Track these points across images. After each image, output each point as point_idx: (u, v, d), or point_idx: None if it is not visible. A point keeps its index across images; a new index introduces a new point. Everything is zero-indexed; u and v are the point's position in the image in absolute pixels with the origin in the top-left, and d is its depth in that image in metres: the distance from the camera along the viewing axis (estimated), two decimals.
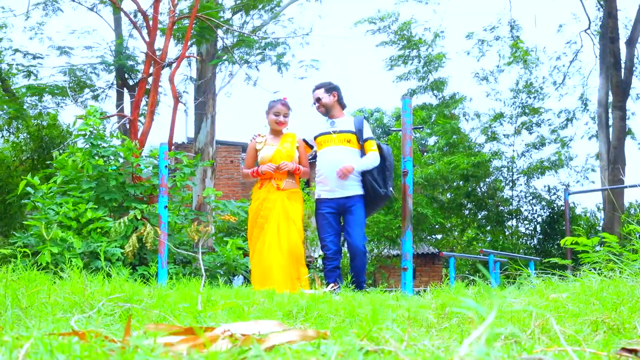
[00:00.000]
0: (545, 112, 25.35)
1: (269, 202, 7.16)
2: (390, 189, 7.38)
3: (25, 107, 20.14)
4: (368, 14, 24.50)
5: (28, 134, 21.00)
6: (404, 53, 24.16)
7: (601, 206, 24.66)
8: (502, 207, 24.60)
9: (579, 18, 27.62)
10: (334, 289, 5.41)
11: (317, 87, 7.71)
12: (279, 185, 7.22)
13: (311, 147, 7.74)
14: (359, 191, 7.30)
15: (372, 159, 7.28)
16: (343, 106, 7.69)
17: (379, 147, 7.44)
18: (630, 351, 1.75)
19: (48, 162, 9.16)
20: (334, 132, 7.41)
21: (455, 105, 24.65)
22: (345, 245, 7.44)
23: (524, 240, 24.66)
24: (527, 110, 24.70)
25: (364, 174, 7.28)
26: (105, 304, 2.87)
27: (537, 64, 25.06)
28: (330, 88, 7.63)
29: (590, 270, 3.87)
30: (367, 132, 7.45)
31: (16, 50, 20.51)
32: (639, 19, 22.49)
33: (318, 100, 7.62)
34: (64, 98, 20.15)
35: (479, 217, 25.19)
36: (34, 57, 20.46)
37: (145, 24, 10.81)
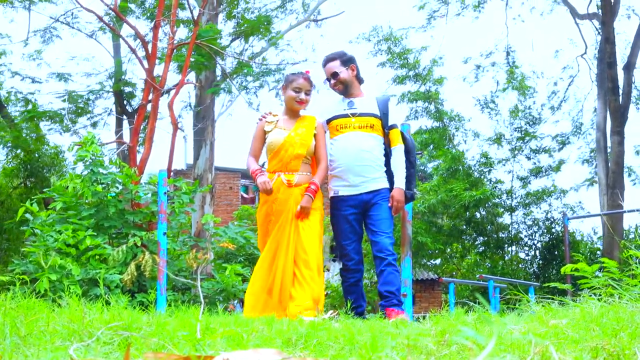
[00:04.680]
0: (542, 139, 25.44)
1: (279, 204, 5.85)
2: (415, 189, 6.18)
3: (24, 135, 20.20)
4: (365, 30, 24.71)
5: (24, 159, 21.06)
6: (402, 73, 24.25)
7: (600, 231, 24.68)
8: (501, 234, 24.58)
9: (575, 43, 27.85)
10: (334, 315, 5.16)
11: (330, 59, 6.32)
12: (290, 181, 5.90)
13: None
14: (385, 184, 6.06)
15: (404, 161, 6.09)
16: (361, 81, 6.35)
17: (403, 139, 6.18)
18: None
19: (45, 190, 9.13)
20: (353, 114, 6.10)
21: (457, 128, 24.74)
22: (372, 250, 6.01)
23: (523, 266, 24.62)
24: (526, 138, 24.78)
25: (388, 168, 6.10)
26: (104, 332, 2.87)
27: (533, 92, 25.18)
28: (347, 60, 6.29)
29: (590, 296, 3.86)
30: (394, 118, 6.19)
31: (15, 73, 20.61)
32: (636, 44, 22.63)
33: (334, 75, 6.23)
34: (59, 124, 20.20)
35: (478, 243, 25.16)
36: (33, 81, 20.56)
37: (144, 51, 10.85)
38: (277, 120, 6.11)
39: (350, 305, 5.67)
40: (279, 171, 5.93)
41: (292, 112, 6.13)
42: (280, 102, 5.60)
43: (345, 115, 6.10)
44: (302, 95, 6.01)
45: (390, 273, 5.78)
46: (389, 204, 5.97)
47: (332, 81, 6.25)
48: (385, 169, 6.08)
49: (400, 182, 5.99)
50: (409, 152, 6.13)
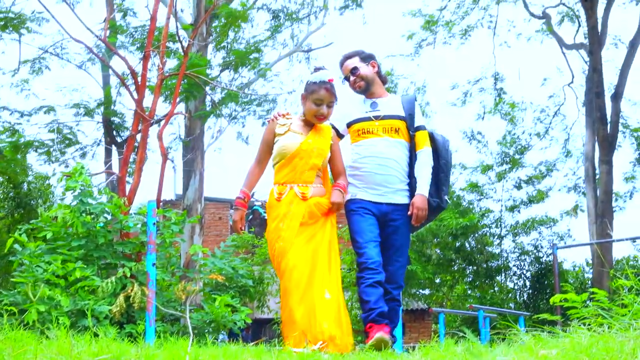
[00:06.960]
0: (528, 167, 25.64)
1: (292, 218, 5.14)
2: (446, 197, 5.57)
3: (12, 166, 20.13)
4: None
5: (16, 193, 20.98)
6: None
7: (590, 260, 24.71)
8: (491, 263, 24.59)
9: (562, 72, 28.07)
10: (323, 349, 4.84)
11: (348, 57, 5.75)
12: (304, 194, 5.22)
13: (341, 136, 5.70)
14: (407, 199, 5.49)
15: (429, 165, 5.52)
16: (384, 81, 5.78)
17: (432, 139, 5.63)
18: None
19: (33, 221, 9.07)
20: (377, 117, 5.53)
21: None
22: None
23: (513, 295, 24.61)
24: (514, 168, 24.95)
25: (411, 178, 5.51)
26: None
27: (520, 121, 25.45)
28: (367, 56, 5.73)
29: (580, 326, 3.85)
30: (419, 119, 5.60)
31: (4, 108, 20.57)
32: (623, 74, 22.81)
33: (354, 70, 5.65)
34: (46, 155, 20.14)
35: (468, 272, 25.17)
36: (22, 115, 20.51)
37: (133, 82, 10.86)
38: (291, 123, 5.43)
39: (367, 308, 5.10)
40: (292, 182, 5.28)
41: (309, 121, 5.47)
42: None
43: (368, 119, 5.54)
44: (324, 109, 5.31)
45: (391, 309, 5.28)
46: (409, 212, 5.42)
47: (352, 78, 5.67)
48: (408, 180, 5.52)
49: (423, 188, 5.43)
50: (438, 155, 5.60)
